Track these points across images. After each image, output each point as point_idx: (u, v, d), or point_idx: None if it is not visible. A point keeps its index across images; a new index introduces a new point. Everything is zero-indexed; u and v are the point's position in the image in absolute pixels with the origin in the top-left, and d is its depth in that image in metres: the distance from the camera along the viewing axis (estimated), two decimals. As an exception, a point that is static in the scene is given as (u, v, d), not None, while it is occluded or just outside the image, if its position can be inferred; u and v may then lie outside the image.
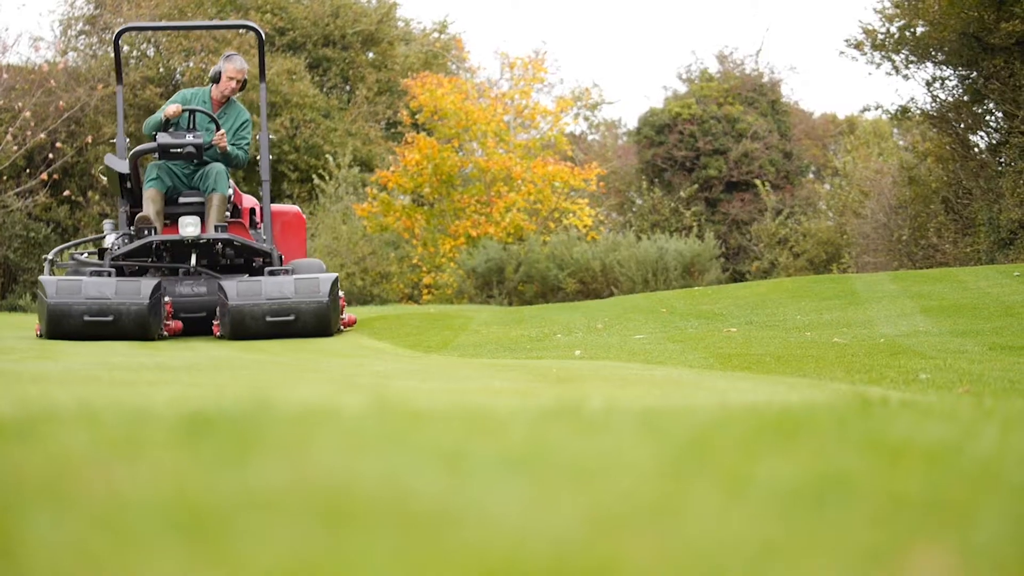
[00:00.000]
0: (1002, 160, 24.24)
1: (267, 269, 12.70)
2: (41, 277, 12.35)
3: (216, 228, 13.03)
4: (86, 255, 14.24)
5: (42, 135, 26.84)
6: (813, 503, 1.43)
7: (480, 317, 15.01)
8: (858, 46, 25.87)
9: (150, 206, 13.18)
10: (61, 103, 27.22)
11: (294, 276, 12.25)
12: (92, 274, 12.62)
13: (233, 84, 13.68)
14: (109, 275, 12.51)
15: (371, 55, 35.10)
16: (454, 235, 29.21)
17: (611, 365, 6.95)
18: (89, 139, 27.39)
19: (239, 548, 1.24)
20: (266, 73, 13.86)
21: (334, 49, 34.67)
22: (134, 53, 30.26)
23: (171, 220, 13.41)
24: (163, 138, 12.91)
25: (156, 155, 13.21)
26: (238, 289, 12.00)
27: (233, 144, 13.57)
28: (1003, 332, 9.94)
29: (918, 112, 25.95)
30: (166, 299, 12.48)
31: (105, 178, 14.36)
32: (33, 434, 1.90)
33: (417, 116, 30.15)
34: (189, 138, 12.95)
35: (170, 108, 13.30)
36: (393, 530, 1.29)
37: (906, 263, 26.07)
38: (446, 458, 1.68)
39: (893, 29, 25.59)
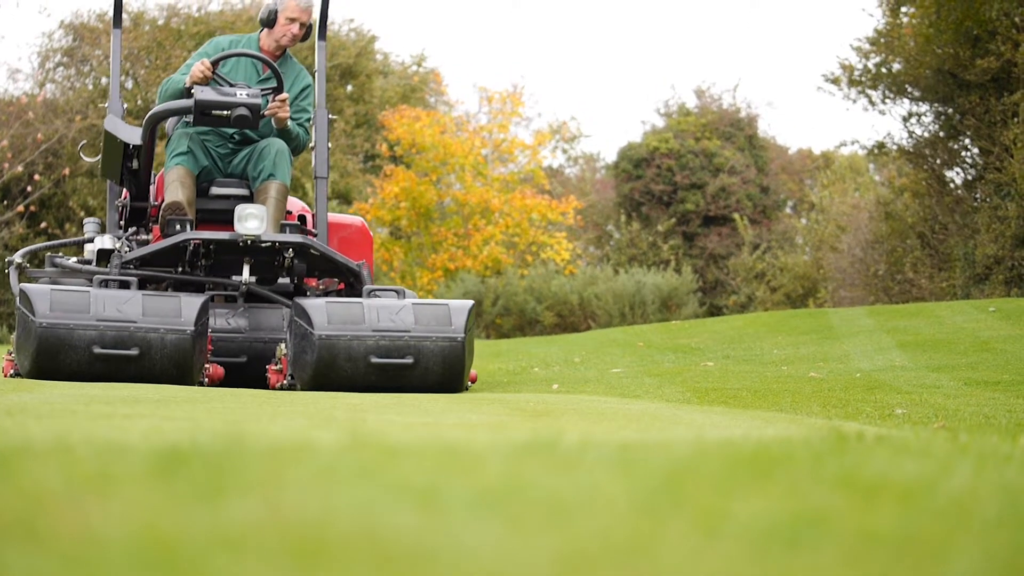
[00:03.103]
0: (977, 196, 24.34)
1: (367, 289, 8.87)
2: (23, 285, 8.50)
3: (284, 229, 9.13)
4: (73, 262, 9.87)
5: (19, 167, 26.78)
6: (787, 542, 1.43)
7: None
8: (835, 81, 25.99)
9: (179, 190, 9.27)
10: (40, 135, 27.16)
11: (412, 300, 8.52)
12: (100, 284, 8.63)
13: (294, 29, 9.69)
14: (127, 286, 8.61)
15: (349, 88, 35.12)
16: (432, 268, 29.22)
17: (588, 399, 6.94)
18: (67, 171, 27.32)
19: (211, 585, 1.23)
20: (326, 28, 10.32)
21: (312, 82, 34.62)
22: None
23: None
24: (203, 93, 8.84)
25: (185, 120, 9.61)
26: (329, 313, 8.24)
27: (292, 119, 9.70)
28: (978, 367, 9.96)
29: (894, 147, 26.06)
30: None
31: (88, 159, 10.89)
32: (7, 468, 1.89)
33: (395, 148, 30.16)
34: (241, 95, 8.86)
35: (197, 68, 9.15)
36: (367, 567, 1.29)
37: (882, 298, 26.13)
38: (420, 494, 1.68)
39: (870, 65, 25.72)
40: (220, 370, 8.58)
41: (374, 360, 8.15)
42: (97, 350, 8.07)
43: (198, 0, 31.48)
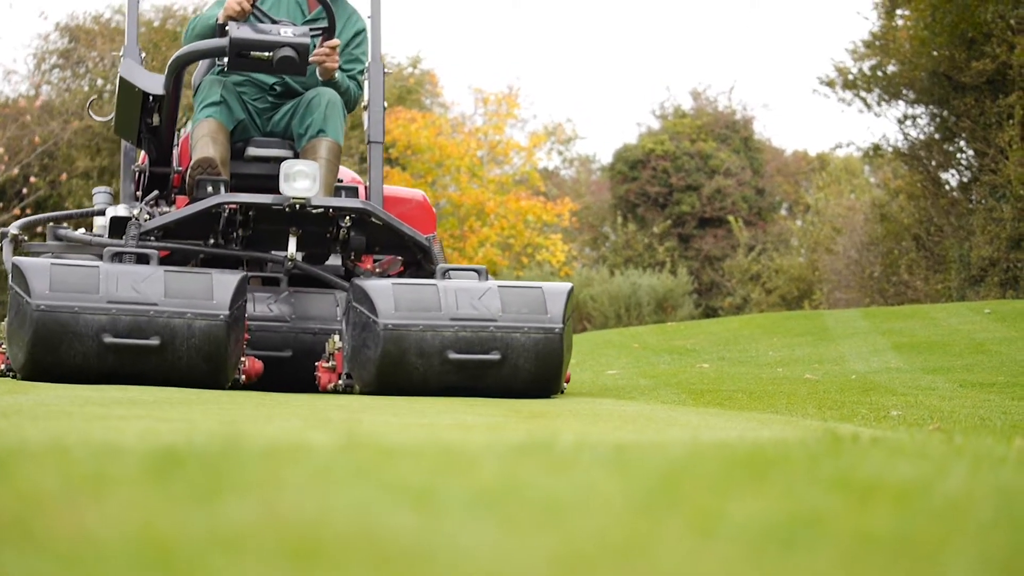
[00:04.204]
0: (973, 198, 24.35)
1: (441, 267, 7.35)
2: (16, 258, 7.03)
3: (340, 192, 7.95)
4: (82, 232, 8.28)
5: (15, 169, 26.76)
6: (783, 543, 1.43)
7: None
8: (830, 84, 26.01)
9: (209, 145, 7.80)
10: (36, 138, 27.14)
11: (497, 283, 7.09)
12: (113, 259, 7.13)
13: None
14: (146, 261, 7.12)
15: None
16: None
17: (583, 400, 6.95)
18: (64, 175, 27.31)
19: (208, 586, 1.23)
20: None
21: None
22: (108, 87, 30.20)
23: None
24: (240, 30, 7.37)
25: (218, 65, 8.07)
26: (396, 298, 6.84)
27: (342, 70, 8.23)
28: (974, 369, 9.97)
29: (890, 150, 26.07)
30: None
31: (98, 118, 9.42)
32: (3, 470, 1.89)
33: (391, 150, 30.17)
34: (286, 33, 7.37)
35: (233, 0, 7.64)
36: (363, 568, 1.29)
37: (877, 300, 26.14)
38: (417, 495, 1.68)
39: (865, 68, 25.73)
40: (259, 365, 7.17)
41: (452, 356, 6.76)
42: (108, 339, 6.62)
43: (194, 1, 31.44)
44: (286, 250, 7.55)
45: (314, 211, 7.40)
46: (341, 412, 5.02)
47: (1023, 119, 22.48)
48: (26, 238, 8.34)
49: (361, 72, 8.35)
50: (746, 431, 4.18)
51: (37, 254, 8.12)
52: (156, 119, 7.92)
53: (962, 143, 24.84)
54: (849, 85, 25.76)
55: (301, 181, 7.29)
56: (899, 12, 25.10)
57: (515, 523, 1.48)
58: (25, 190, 27.44)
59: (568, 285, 7.22)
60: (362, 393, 6.87)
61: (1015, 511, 1.72)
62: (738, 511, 1.61)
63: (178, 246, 7.67)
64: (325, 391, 7.13)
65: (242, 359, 7.06)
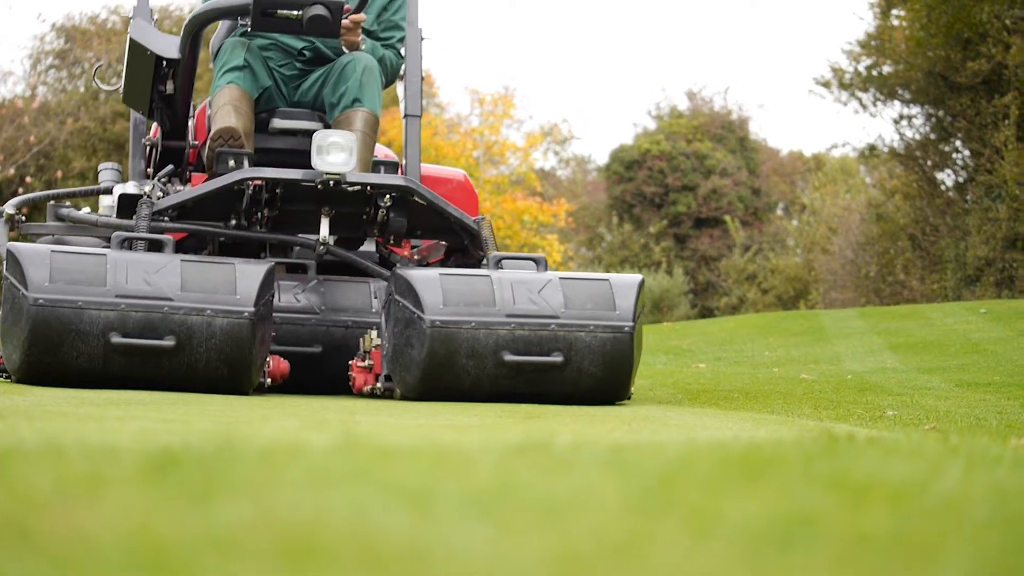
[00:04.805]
0: (968, 198, 24.38)
1: (494, 255, 6.57)
2: (10, 244, 6.24)
3: (378, 168, 7.18)
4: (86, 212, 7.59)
5: (11, 170, 26.75)
6: (779, 543, 1.43)
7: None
8: (826, 84, 26.03)
9: (231, 115, 7.02)
10: (31, 138, 27.13)
11: (558, 274, 6.35)
12: (122, 245, 6.35)
13: None
14: (160, 248, 6.35)
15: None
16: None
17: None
18: (59, 174, 27.30)
19: (203, 587, 1.23)
20: None
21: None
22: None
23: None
24: None
25: (242, 25, 7.01)
26: (445, 290, 6.11)
27: (378, 38, 7.54)
28: (969, 369, 9.97)
29: (885, 150, 26.10)
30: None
31: (105, 87, 8.62)
32: (-3, 471, 1.89)
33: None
34: None
35: None
36: (358, 569, 1.29)
37: (873, 299, 26.16)
38: (413, 496, 1.68)
39: (860, 68, 25.76)
40: (284, 365, 6.45)
41: (508, 358, 6.04)
42: (116, 339, 5.91)
43: (190, 2, 31.45)
44: (316, 233, 6.78)
45: (350, 188, 6.60)
46: (338, 413, 5.02)
47: (1019, 119, 22.50)
48: (24, 218, 7.56)
49: (400, 40, 7.56)
50: (742, 431, 4.19)
51: (36, 236, 7.56)
52: (170, 87, 7.15)
53: (958, 143, 24.87)
54: (845, 85, 25.79)
55: (336, 154, 6.49)
56: (895, 12, 25.13)
57: (511, 524, 1.48)
58: (21, 190, 27.42)
59: (638, 277, 6.47)
60: (404, 398, 6.21)
61: (1010, 511, 1.72)
62: (734, 511, 1.61)
63: (195, 228, 6.86)
64: (360, 394, 6.50)
65: (267, 359, 6.37)
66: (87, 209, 7.56)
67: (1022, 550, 1.45)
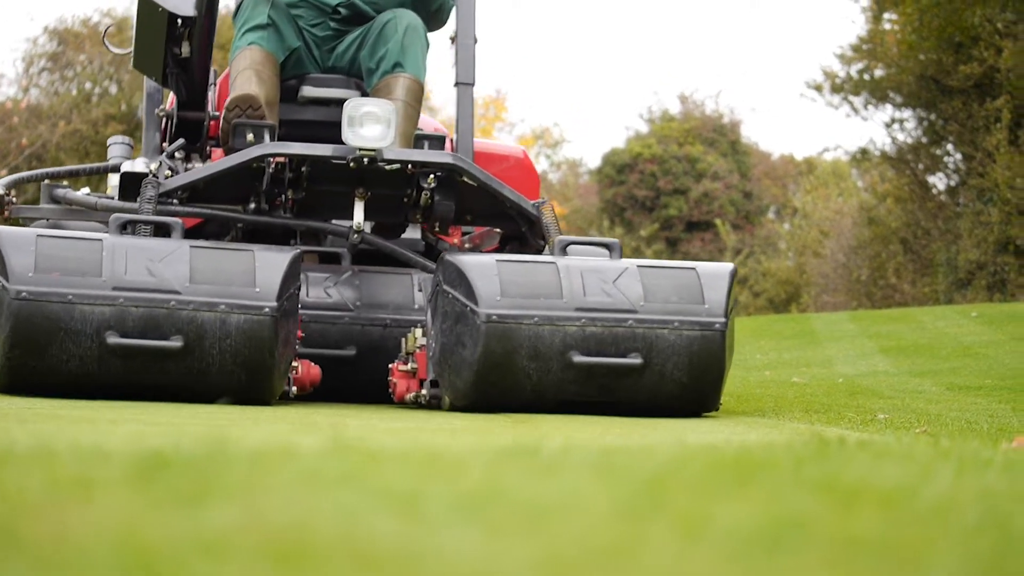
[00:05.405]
0: (960, 201, 24.42)
1: (560, 240, 5.68)
2: None
3: (421, 143, 6.11)
4: (84, 193, 6.63)
5: (3, 172, 26.74)
6: (768, 546, 1.43)
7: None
8: (818, 88, 26.07)
9: (251, 80, 6.23)
10: (24, 140, 27.11)
11: (635, 261, 5.49)
12: (122, 229, 5.50)
13: None
14: (166, 233, 5.55)
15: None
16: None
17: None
18: (50, 177, 27.27)
19: (192, 590, 1.23)
20: None
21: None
22: (96, 90, 30.15)
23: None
24: None
25: None
26: (503, 279, 5.28)
27: None
28: (960, 372, 9.98)
29: (877, 153, 26.14)
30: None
31: (116, 50, 7.24)
32: (-13, 474, 1.89)
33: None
34: None
35: None
36: (347, 572, 1.29)
37: (865, 303, 26.19)
38: (402, 499, 1.68)
39: (852, 72, 25.80)
40: (315, 370, 5.70)
41: (577, 359, 5.21)
42: (113, 339, 5.13)
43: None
44: (349, 218, 5.98)
45: (388, 167, 5.76)
46: (328, 416, 5.02)
47: (1010, 123, 22.54)
48: (15, 199, 6.86)
49: None
50: (733, 434, 4.19)
51: (30, 220, 6.76)
52: (185, 49, 6.23)
53: (949, 147, 24.91)
54: (837, 89, 25.82)
55: (371, 127, 5.62)
56: (887, 16, 25.18)
57: (499, 528, 1.48)
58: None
59: (730, 266, 5.70)
60: (453, 408, 5.45)
61: (999, 514, 1.72)
62: (723, 515, 1.61)
63: (207, 212, 6.08)
64: (402, 402, 5.77)
65: (293, 364, 5.58)
66: (87, 190, 6.67)
67: (1011, 554, 1.46)
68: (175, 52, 6.25)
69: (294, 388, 5.58)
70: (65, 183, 6.93)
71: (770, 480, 2.03)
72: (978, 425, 5.52)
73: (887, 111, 25.78)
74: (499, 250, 6.54)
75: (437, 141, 6.14)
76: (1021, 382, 8.74)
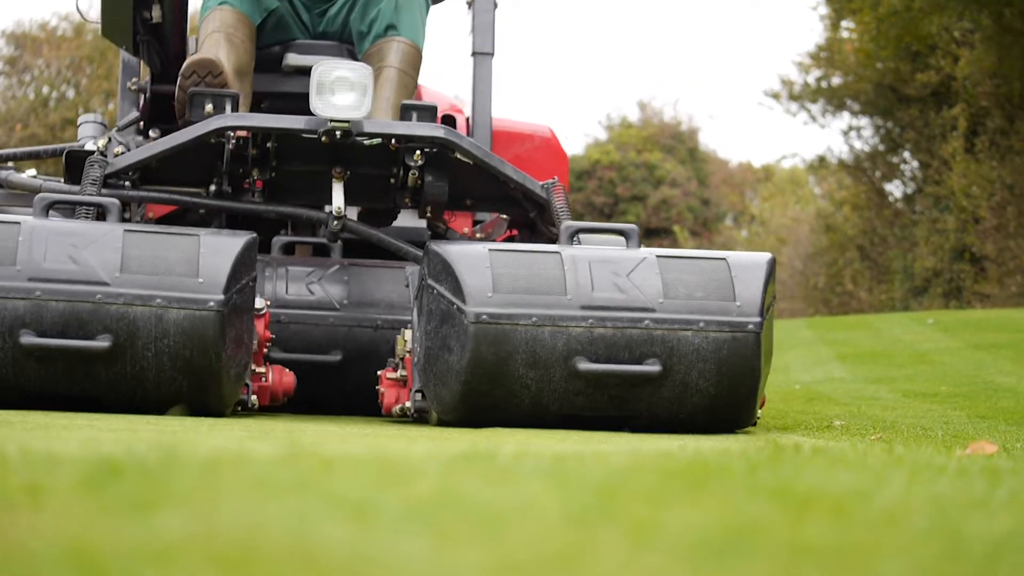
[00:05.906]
0: (916, 209, 24.55)
1: (568, 226, 4.92)
2: None
3: (409, 114, 5.17)
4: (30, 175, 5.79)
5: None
6: (718, 553, 1.43)
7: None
8: (775, 96, 26.17)
9: (219, 44, 5.42)
10: (-21, 143, 26.97)
11: (656, 251, 4.74)
12: (47, 211, 4.70)
13: None
14: (101, 215, 4.78)
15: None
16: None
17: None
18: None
19: (141, 598, 1.23)
20: None
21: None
22: (54, 94, 30.00)
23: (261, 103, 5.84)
24: None
25: None
26: (494, 271, 4.51)
27: None
28: (916, 379, 10.03)
29: (834, 161, 26.27)
30: (261, 303, 4.91)
31: (89, 20, 6.84)
32: (-64, 481, 1.88)
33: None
34: None
35: None
36: (298, 579, 1.28)
37: (822, 310, 26.30)
38: (354, 506, 1.67)
39: (810, 80, 25.92)
40: (289, 378, 5.01)
41: (583, 367, 4.46)
42: (28, 339, 4.39)
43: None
44: (332, 202, 5.15)
45: (366, 142, 5.00)
46: (286, 422, 4.99)
47: (967, 131, 22.68)
48: None
49: None
50: (687, 441, 4.19)
51: None
52: (156, 13, 5.62)
53: (906, 154, 25.05)
54: (795, 97, 25.93)
55: (343, 94, 4.86)
56: (845, 24, 25.30)
57: (450, 535, 1.48)
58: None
59: (767, 255, 4.85)
60: (441, 423, 4.72)
61: (949, 520, 1.73)
62: (674, 521, 1.62)
63: (164, 197, 5.33)
64: (390, 415, 5.04)
65: (256, 369, 4.93)
66: (32, 171, 5.91)
67: (959, 560, 1.46)
68: (145, 16, 5.67)
69: (254, 397, 4.90)
70: (10, 164, 6.22)
71: (723, 487, 2.04)
72: (933, 432, 5.54)
73: (844, 119, 25.94)
74: (512, 240, 5.84)
75: (426, 112, 5.22)
76: (976, 389, 8.78)
